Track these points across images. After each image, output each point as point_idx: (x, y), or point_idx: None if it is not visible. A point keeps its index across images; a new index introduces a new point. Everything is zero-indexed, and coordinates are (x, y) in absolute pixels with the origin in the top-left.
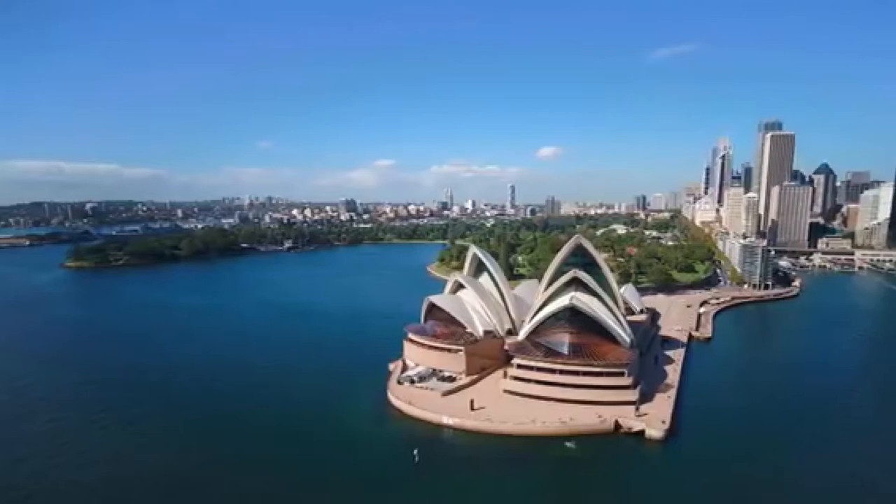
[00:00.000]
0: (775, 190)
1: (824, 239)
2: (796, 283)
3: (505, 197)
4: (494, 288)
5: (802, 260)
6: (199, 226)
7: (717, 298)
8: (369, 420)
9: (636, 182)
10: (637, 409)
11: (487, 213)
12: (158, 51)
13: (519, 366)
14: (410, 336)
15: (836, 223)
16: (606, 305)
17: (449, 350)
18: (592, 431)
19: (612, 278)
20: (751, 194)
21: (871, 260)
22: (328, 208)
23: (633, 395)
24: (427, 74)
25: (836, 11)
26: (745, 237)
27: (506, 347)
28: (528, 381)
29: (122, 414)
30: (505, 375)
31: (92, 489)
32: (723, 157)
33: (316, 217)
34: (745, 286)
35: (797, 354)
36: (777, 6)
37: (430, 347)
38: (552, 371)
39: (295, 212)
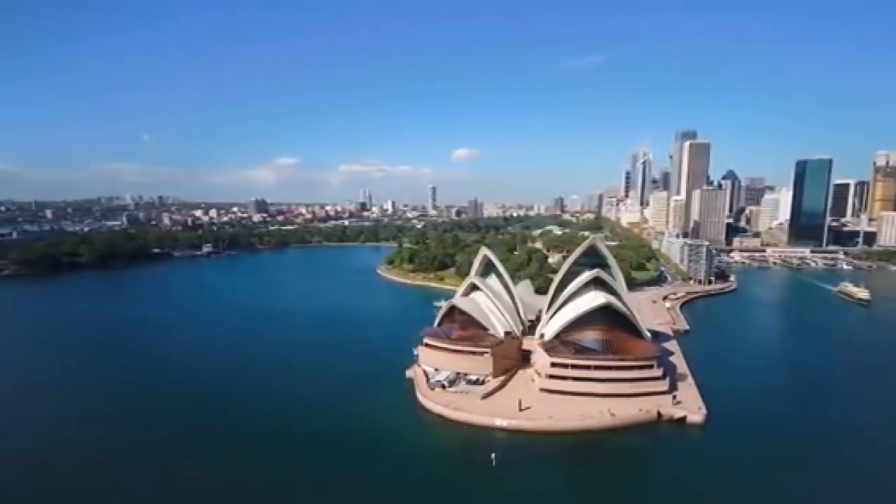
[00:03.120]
0: (696, 193)
1: (738, 238)
2: (732, 278)
3: (422, 197)
4: (503, 289)
5: (724, 257)
6: (86, 229)
7: (675, 294)
8: (413, 429)
9: (551, 184)
10: (674, 397)
11: (409, 214)
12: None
13: (554, 364)
14: (428, 341)
15: (742, 223)
16: (624, 303)
17: (474, 353)
18: (638, 422)
19: (621, 277)
20: (677, 197)
21: (781, 256)
22: (235, 209)
23: (664, 385)
24: (336, 72)
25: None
26: (678, 237)
27: (526, 348)
28: (565, 378)
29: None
30: (539, 375)
31: None
32: (644, 162)
33: (224, 218)
34: (691, 282)
35: (768, 336)
36: (677, 26)
37: (455, 351)
38: (588, 367)
39: (198, 212)
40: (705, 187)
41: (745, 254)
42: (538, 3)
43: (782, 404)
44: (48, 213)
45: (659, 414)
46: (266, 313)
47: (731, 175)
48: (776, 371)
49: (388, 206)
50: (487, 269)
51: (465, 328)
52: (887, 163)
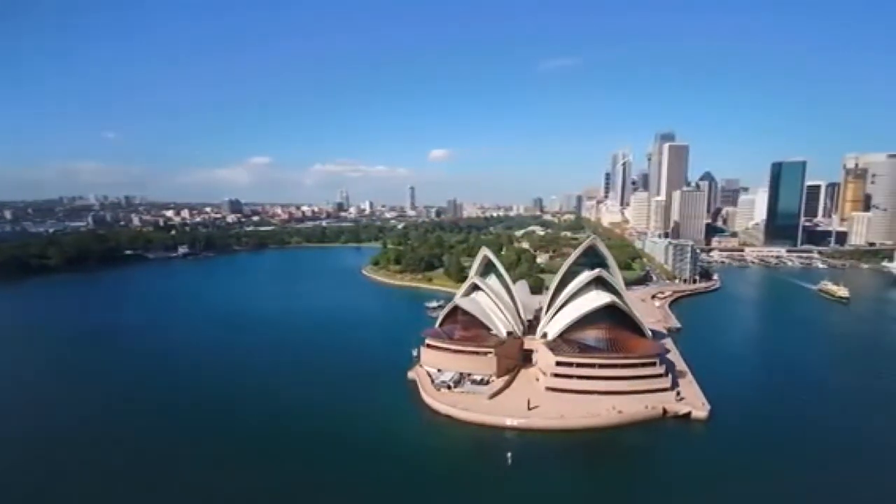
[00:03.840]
0: (677, 194)
1: (717, 238)
2: (715, 276)
3: (399, 198)
4: (503, 289)
5: (705, 256)
6: (50, 230)
7: (663, 293)
8: (423, 430)
9: (529, 185)
10: (678, 394)
11: (387, 215)
12: None
13: (559, 363)
14: (430, 342)
15: (719, 223)
16: (625, 302)
17: (477, 353)
18: (645, 418)
19: (620, 277)
20: (659, 198)
21: (759, 255)
22: (209, 209)
23: (667, 382)
24: (310, 71)
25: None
26: (661, 237)
27: (527, 347)
28: (570, 377)
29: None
30: (544, 374)
31: None
32: (624, 163)
33: (197, 219)
34: (677, 281)
35: (757, 333)
36: (653, 28)
37: (458, 352)
38: (592, 366)
39: (169, 213)
40: (685, 188)
41: (725, 253)
42: (516, 4)
43: (780, 398)
44: (7, 214)
45: (664, 410)
46: (256, 316)
47: (707, 176)
48: (770, 366)
49: (366, 206)
50: (487, 269)
51: (467, 328)
52: (856, 165)
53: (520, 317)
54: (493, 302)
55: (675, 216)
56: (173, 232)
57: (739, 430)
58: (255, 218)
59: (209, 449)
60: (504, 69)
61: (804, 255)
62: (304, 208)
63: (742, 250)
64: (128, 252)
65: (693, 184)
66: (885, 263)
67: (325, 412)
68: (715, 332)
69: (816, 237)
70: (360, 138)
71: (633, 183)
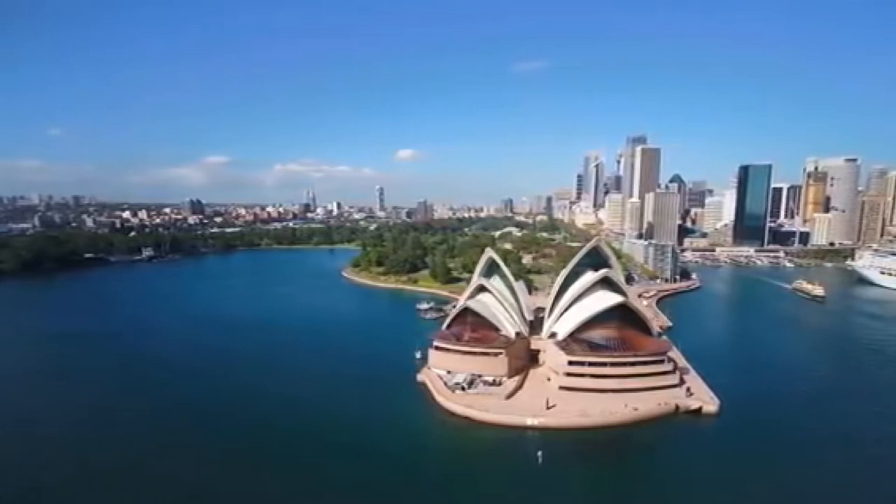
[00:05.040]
0: (650, 196)
1: (689, 238)
2: (694, 276)
3: (365, 198)
4: (507, 290)
5: (679, 256)
6: None
7: (648, 292)
8: (444, 432)
9: (497, 186)
10: (688, 389)
11: (356, 216)
12: None
13: (571, 362)
14: (439, 344)
15: (688, 224)
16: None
17: (488, 354)
18: (659, 414)
19: (622, 277)
20: (634, 200)
21: (730, 255)
22: (168, 210)
23: (675, 378)
24: (268, 69)
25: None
26: (639, 238)
27: (533, 347)
28: (583, 375)
29: None
30: (556, 373)
31: None
32: (597, 166)
33: (157, 220)
34: (658, 280)
35: (744, 330)
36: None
37: (469, 353)
38: (604, 364)
39: (126, 214)
40: (659, 190)
41: (697, 253)
42: (486, 5)
43: (781, 390)
44: None
45: (676, 406)
46: (243, 321)
47: (677, 179)
48: (765, 361)
49: (333, 207)
50: (490, 270)
51: (476, 330)
52: (816, 168)
53: (523, 317)
54: (499, 303)
55: (648, 217)
56: (133, 234)
57: (749, 422)
58: (219, 219)
59: (239, 459)
60: (473, 71)
61: (771, 254)
62: (270, 209)
63: (714, 250)
64: (88, 255)
65: (664, 186)
66: (849, 262)
67: (339, 420)
68: (705, 330)
69: (781, 237)
70: (322, 137)
71: (605, 185)
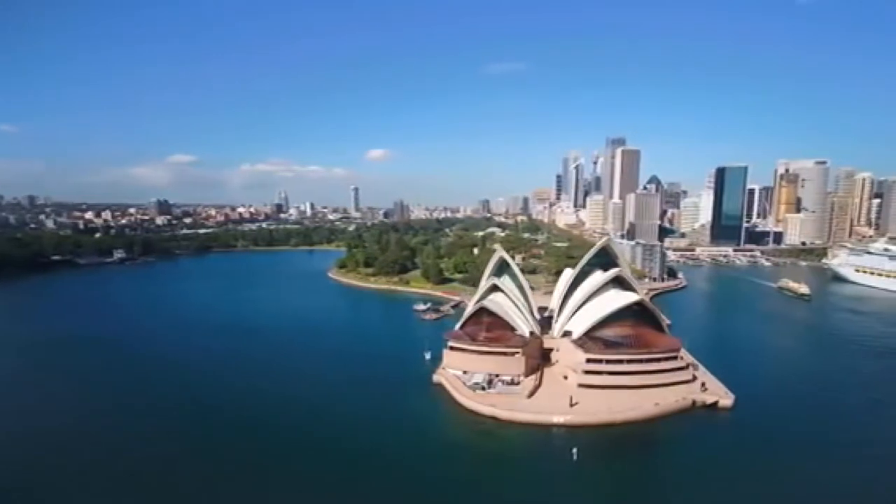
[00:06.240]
0: (631, 197)
1: (669, 238)
2: (680, 275)
3: (337, 199)
4: (517, 289)
5: None
6: None
7: None
8: (471, 432)
9: (473, 187)
10: (703, 385)
11: (330, 216)
12: None
13: (589, 360)
14: (454, 344)
15: (665, 224)
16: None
17: (505, 353)
18: (678, 409)
19: (632, 276)
20: (616, 200)
21: (710, 255)
22: (132, 210)
23: (689, 374)
24: (234, 69)
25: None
26: (622, 237)
27: (546, 346)
28: (601, 373)
29: None
30: (574, 371)
31: None
32: (576, 167)
33: (123, 221)
34: (646, 280)
35: (739, 326)
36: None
37: (486, 353)
38: (621, 361)
39: (89, 215)
40: (639, 191)
41: (678, 252)
42: (459, 5)
43: (789, 384)
44: None
45: (693, 401)
46: (237, 325)
47: (655, 180)
48: (767, 356)
49: (306, 207)
50: (500, 269)
51: (491, 329)
52: (787, 170)
53: (534, 316)
54: (511, 302)
55: (630, 218)
56: (98, 235)
57: (764, 414)
58: (188, 220)
59: (248, 459)
60: (446, 71)
61: (749, 253)
62: (241, 209)
63: (693, 250)
64: (55, 258)
65: (642, 187)
66: (825, 261)
67: (356, 423)
68: (700, 328)
69: (756, 237)
70: (291, 137)
71: (585, 186)
